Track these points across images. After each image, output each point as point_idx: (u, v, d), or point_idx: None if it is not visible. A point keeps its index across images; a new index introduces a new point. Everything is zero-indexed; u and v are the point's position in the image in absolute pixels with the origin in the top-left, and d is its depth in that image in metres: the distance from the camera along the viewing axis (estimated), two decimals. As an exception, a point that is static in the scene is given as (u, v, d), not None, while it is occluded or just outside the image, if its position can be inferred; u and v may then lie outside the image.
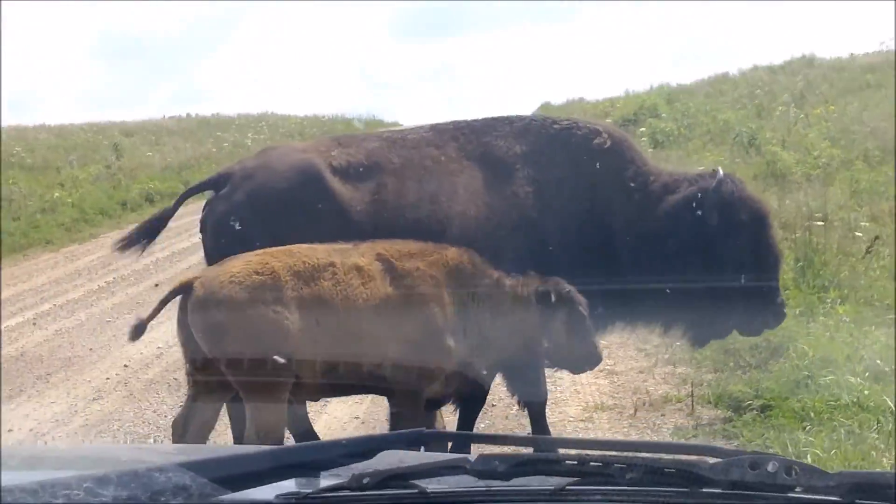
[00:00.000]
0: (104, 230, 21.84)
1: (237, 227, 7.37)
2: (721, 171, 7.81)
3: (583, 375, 9.88)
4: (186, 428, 6.27)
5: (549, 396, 8.07)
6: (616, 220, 7.71)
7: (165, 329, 12.67)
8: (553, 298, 6.73)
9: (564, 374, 9.88)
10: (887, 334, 9.74)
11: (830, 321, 10.26)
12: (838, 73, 30.82)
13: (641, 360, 10.59)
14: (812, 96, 27.83)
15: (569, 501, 2.59)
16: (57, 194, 23.94)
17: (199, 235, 7.84)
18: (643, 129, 26.31)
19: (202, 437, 6.34)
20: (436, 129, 8.04)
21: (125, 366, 11.18)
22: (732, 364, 9.63)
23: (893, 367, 8.40)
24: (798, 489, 2.43)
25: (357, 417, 9.09)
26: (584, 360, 6.88)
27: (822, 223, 13.95)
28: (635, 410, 8.86)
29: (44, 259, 18.91)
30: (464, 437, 3.20)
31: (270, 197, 7.48)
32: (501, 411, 8.88)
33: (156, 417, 9.32)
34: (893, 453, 6.73)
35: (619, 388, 9.62)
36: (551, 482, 2.63)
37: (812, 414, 7.75)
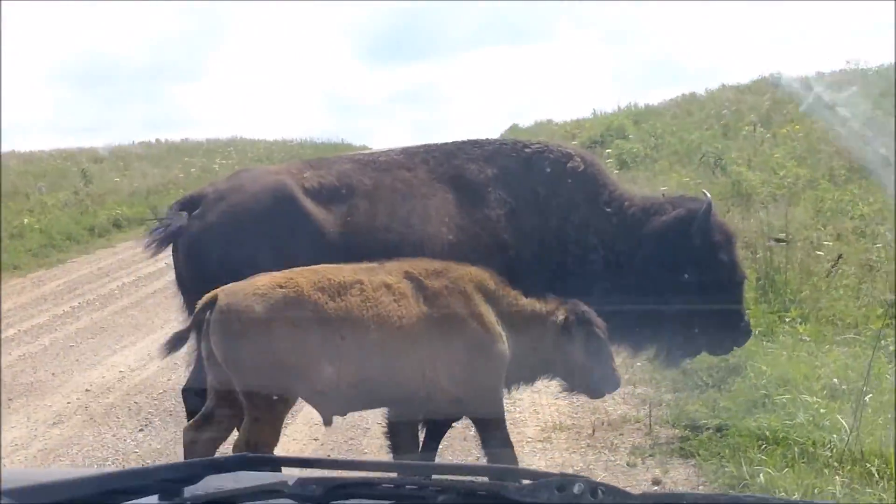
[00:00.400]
0: (72, 255, 21.79)
1: (209, 247, 7.33)
2: (708, 195, 7.90)
3: (542, 396, 9.95)
4: (196, 439, 6.38)
5: (507, 416, 8.08)
6: (591, 243, 7.76)
7: (127, 353, 12.69)
8: (572, 319, 6.72)
9: (524, 395, 9.94)
10: (846, 353, 9.82)
11: (790, 340, 10.33)
12: (805, 92, 30.98)
13: (602, 380, 10.61)
14: (778, 116, 28.01)
15: None
16: (26, 220, 23.86)
17: (171, 257, 7.78)
18: (609, 150, 26.43)
19: (210, 450, 6.39)
20: (406, 151, 8.06)
21: (87, 390, 11.14)
22: (691, 384, 9.68)
23: (853, 385, 8.46)
24: None
25: (316, 439, 9.10)
26: (604, 382, 6.80)
27: (784, 242, 14.03)
28: (593, 430, 8.90)
29: (10, 284, 18.83)
30: (292, 461, 3.20)
31: (243, 217, 7.46)
32: (459, 432, 8.89)
33: (115, 441, 9.30)
34: (846, 470, 6.77)
35: (578, 408, 9.64)
36: None
37: (767, 433, 7.79)
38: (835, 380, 8.67)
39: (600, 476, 7.95)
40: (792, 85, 30.91)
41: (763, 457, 7.35)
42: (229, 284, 6.25)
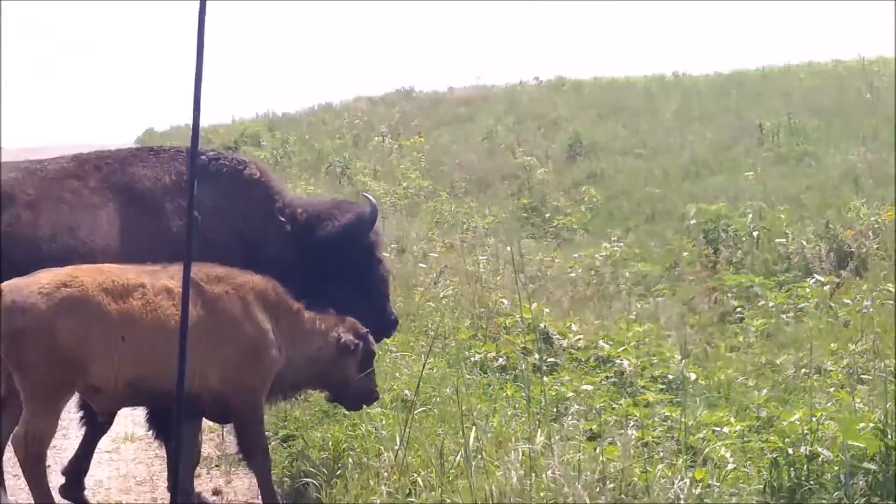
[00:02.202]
0: None
1: None
2: (372, 198, 8.26)
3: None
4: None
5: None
6: (268, 249, 7.85)
7: None
8: (351, 338, 7.31)
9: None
10: (430, 364, 10.04)
11: (379, 350, 10.47)
12: (435, 106, 31.93)
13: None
14: (407, 128, 28.68)
15: None
16: None
17: None
18: (241, 156, 26.34)
19: (4, 435, 6.73)
20: (77, 159, 7.84)
21: None
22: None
23: (423, 397, 8.62)
24: None
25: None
26: (365, 397, 7.55)
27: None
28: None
29: None
30: None
31: None
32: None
33: None
34: (393, 480, 6.89)
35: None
36: None
37: (331, 444, 7.86)
38: (406, 391, 8.84)
39: (161, 487, 7.83)
40: (422, 98, 31.76)
41: (319, 469, 7.40)
42: (13, 280, 6.49)
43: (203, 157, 7.89)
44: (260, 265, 7.50)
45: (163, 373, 6.48)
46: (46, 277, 6.46)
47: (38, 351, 6.32)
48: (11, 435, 6.57)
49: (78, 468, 7.63)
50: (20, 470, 6.65)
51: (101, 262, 7.08)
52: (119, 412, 8.68)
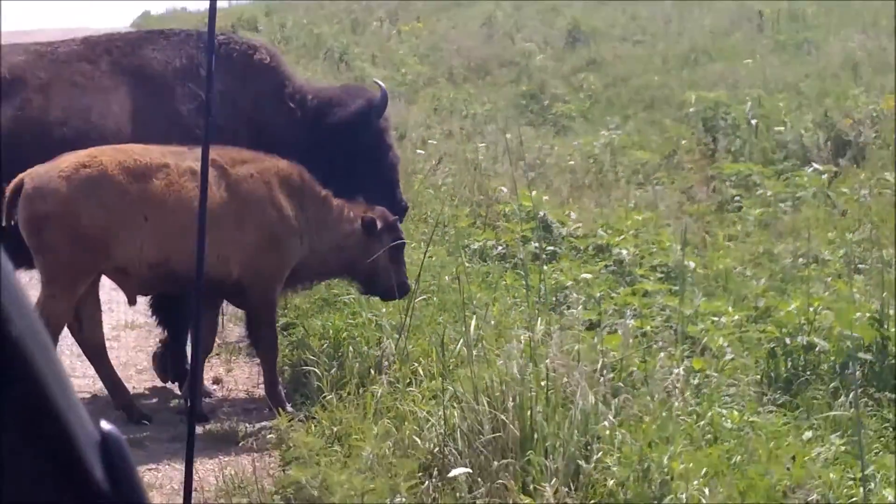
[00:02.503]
0: None
1: None
2: (383, 85, 8.36)
3: (120, 293, 9.76)
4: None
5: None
6: (278, 134, 7.87)
7: None
8: (379, 225, 7.24)
9: (102, 293, 9.71)
10: (431, 252, 10.06)
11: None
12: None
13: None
14: (406, 13, 28.38)
15: None
16: None
17: None
18: (237, 41, 26.07)
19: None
20: (88, 41, 7.84)
21: None
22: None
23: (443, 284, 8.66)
24: None
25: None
26: (401, 288, 7.33)
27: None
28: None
29: None
30: None
31: None
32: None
33: None
34: (394, 370, 6.93)
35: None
36: None
37: (331, 332, 7.90)
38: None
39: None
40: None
41: (317, 357, 7.46)
42: (35, 167, 6.54)
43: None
44: (268, 150, 7.51)
45: (187, 255, 6.52)
46: (67, 160, 6.55)
47: (60, 234, 6.46)
48: None
49: None
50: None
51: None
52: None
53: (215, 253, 6.61)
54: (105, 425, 1.07)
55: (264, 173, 7.05)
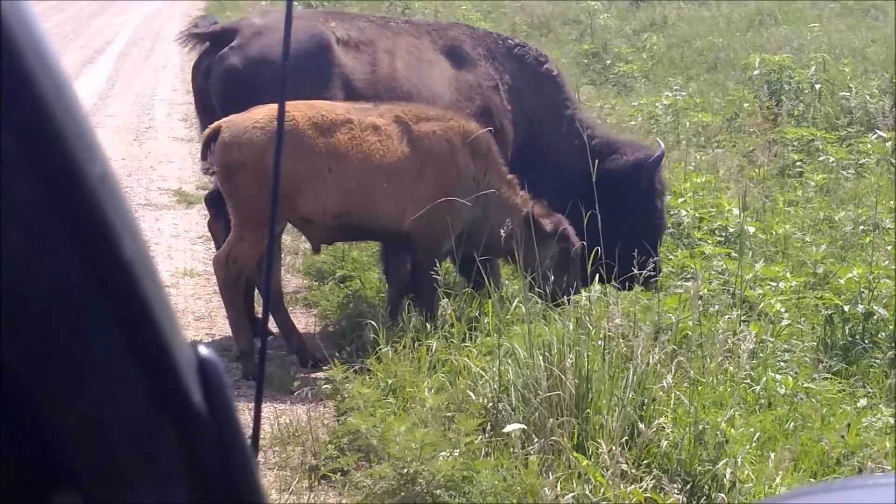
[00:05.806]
0: None
1: (247, 79, 7.59)
2: (661, 144, 8.93)
3: (181, 240, 9.88)
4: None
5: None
6: (549, 143, 8.50)
7: None
8: (547, 229, 7.29)
9: (161, 239, 9.84)
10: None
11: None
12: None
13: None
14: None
15: None
16: None
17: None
18: None
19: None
20: (411, 22, 9.52)
21: None
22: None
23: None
24: None
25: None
26: (555, 293, 6.93)
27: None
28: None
29: None
30: None
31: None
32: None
33: None
34: (452, 319, 6.97)
35: (213, 253, 9.57)
36: None
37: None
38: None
39: (219, 322, 7.98)
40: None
41: (376, 310, 7.51)
42: (230, 116, 6.94)
43: (510, 41, 8.87)
44: (535, 155, 8.30)
45: (368, 207, 7.08)
46: (261, 112, 6.84)
47: (251, 182, 6.70)
48: (214, 256, 7.29)
49: None
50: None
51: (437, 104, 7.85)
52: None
53: (393, 204, 7.08)
54: (203, 350, 1.11)
55: (448, 132, 7.25)
